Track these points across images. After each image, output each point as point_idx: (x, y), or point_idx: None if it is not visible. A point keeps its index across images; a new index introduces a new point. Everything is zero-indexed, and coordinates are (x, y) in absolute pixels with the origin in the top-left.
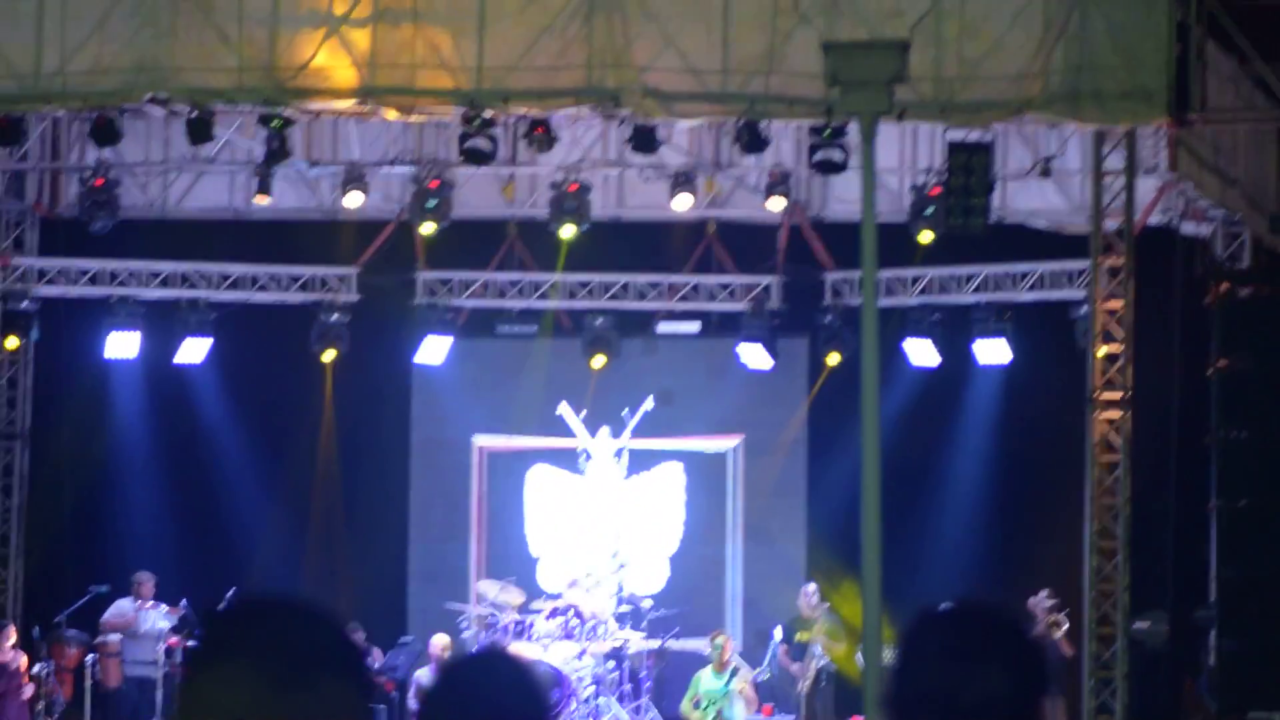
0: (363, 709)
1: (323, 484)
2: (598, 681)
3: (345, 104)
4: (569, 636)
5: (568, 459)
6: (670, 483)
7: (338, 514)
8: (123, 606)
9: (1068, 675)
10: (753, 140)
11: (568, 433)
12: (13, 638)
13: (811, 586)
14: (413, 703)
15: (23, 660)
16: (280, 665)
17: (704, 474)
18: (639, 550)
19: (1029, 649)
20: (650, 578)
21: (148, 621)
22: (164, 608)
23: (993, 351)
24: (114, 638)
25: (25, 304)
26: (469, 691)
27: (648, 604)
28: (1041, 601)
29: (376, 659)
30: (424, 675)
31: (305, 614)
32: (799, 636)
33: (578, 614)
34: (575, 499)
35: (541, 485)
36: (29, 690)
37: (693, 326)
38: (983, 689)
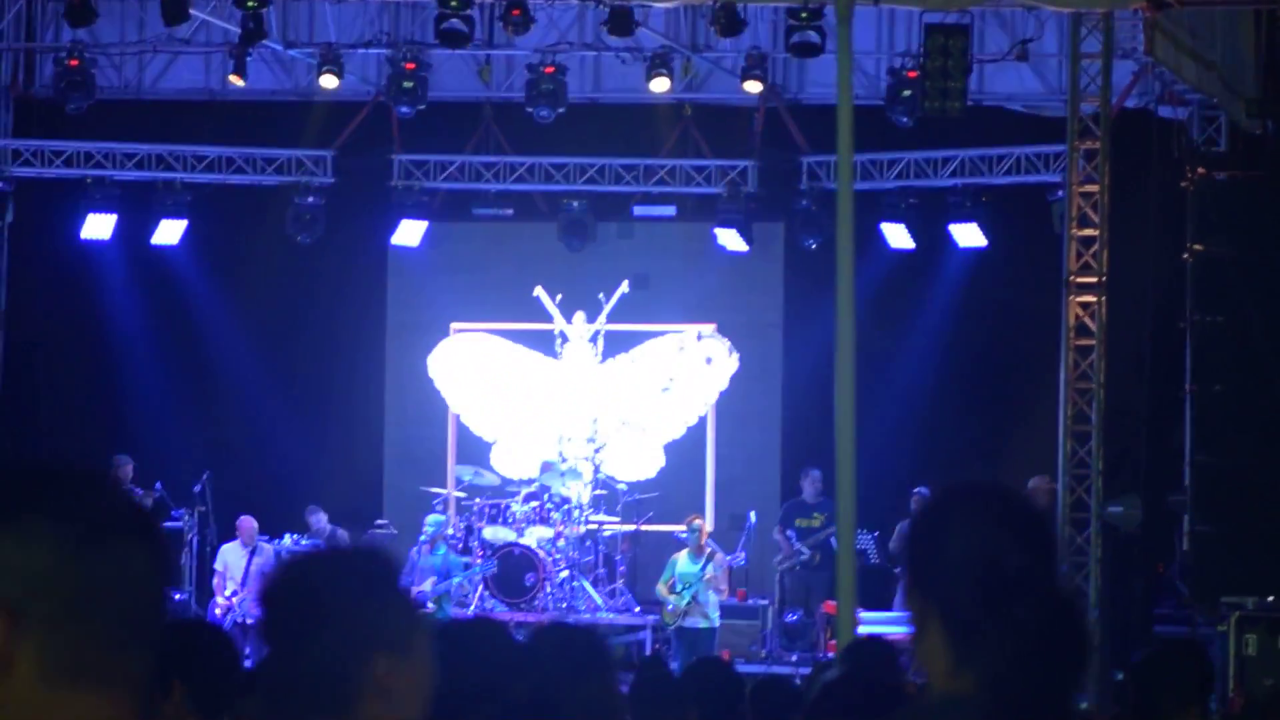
0: (160, 574)
1: (298, 366)
2: (572, 565)
3: None
4: (544, 520)
5: (544, 342)
6: (673, 360)
7: (314, 397)
8: None
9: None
10: (730, 22)
11: (543, 316)
12: None
13: (817, 473)
14: None
15: None
16: (77, 527)
17: None
18: (621, 435)
19: (1050, 525)
20: (639, 464)
21: None
22: (139, 491)
23: (968, 235)
24: None
25: (0, 185)
26: (311, 589)
27: (623, 488)
28: (1043, 484)
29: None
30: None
31: (93, 477)
32: (799, 521)
33: (551, 498)
34: (545, 380)
35: (467, 357)
36: None
37: (669, 210)
38: (1021, 557)
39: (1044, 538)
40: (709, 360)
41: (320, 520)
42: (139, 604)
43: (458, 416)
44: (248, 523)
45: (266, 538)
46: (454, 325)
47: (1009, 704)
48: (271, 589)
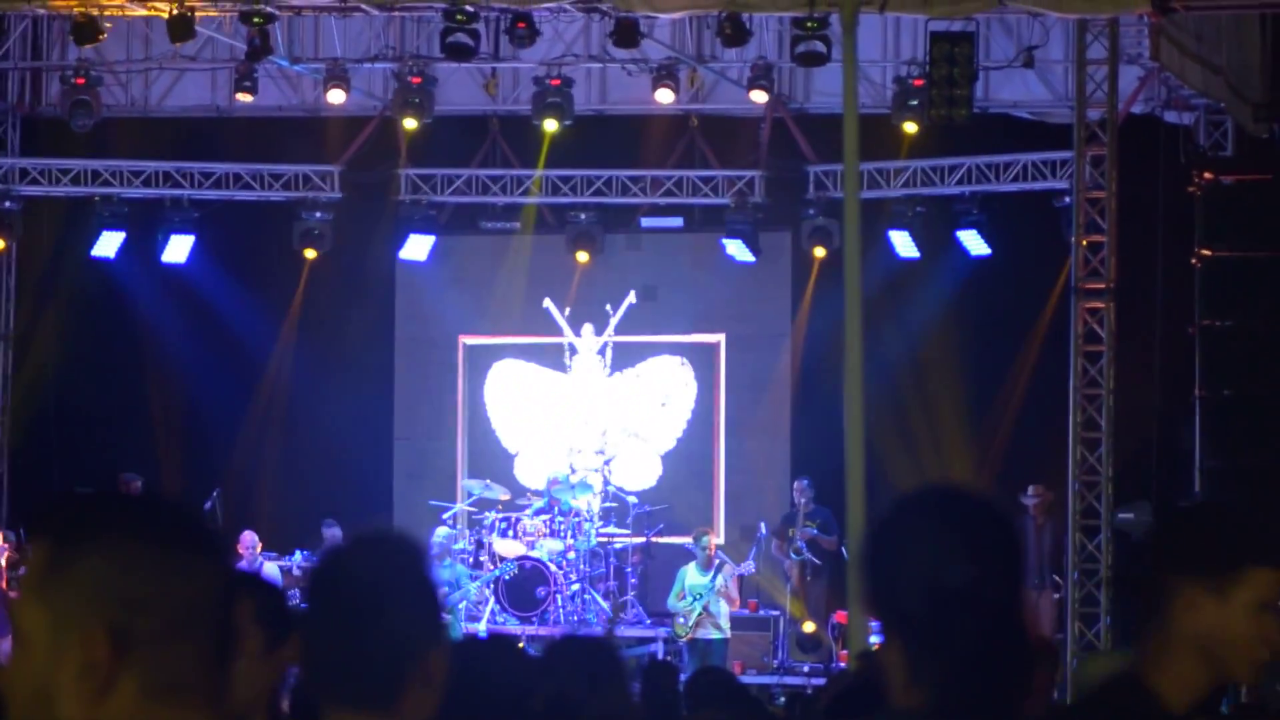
0: (231, 593)
1: (306, 382)
2: (583, 577)
3: None
4: (554, 533)
5: (552, 355)
6: (671, 378)
7: (322, 411)
8: None
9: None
10: (735, 33)
11: (551, 329)
12: None
13: (805, 482)
14: None
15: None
16: (173, 548)
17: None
18: (628, 446)
19: (1007, 531)
20: (641, 474)
21: None
22: None
23: (975, 243)
24: None
25: (8, 204)
26: (354, 576)
27: (633, 500)
28: (1030, 498)
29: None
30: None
31: (171, 501)
32: (791, 531)
33: (562, 510)
34: (554, 394)
35: (508, 379)
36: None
37: (676, 221)
38: (969, 570)
39: (996, 547)
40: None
41: (335, 534)
42: (225, 621)
43: (469, 430)
44: (248, 538)
45: (274, 555)
46: (462, 338)
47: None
48: (323, 579)
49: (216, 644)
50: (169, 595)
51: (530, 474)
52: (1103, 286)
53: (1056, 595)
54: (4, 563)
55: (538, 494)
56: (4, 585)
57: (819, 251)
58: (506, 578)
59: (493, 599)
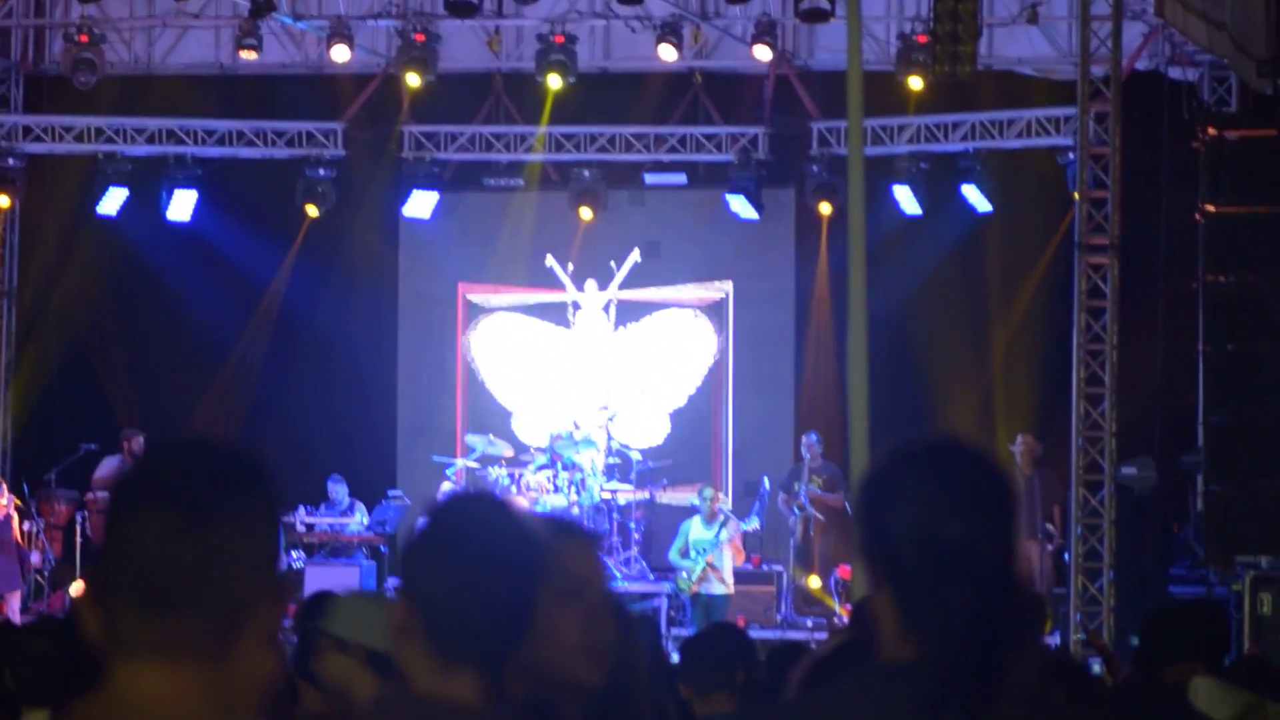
0: (271, 537)
1: (311, 339)
2: None
3: None
4: (558, 489)
5: (556, 312)
6: (683, 333)
7: (326, 369)
8: (113, 464)
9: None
10: None
11: (555, 285)
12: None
13: (814, 437)
14: None
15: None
16: (183, 503)
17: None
18: (633, 402)
19: (1001, 484)
20: (648, 431)
21: None
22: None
23: (978, 199)
24: (104, 495)
25: (11, 161)
26: (461, 530)
27: (637, 456)
28: (1016, 447)
29: (352, 509)
30: None
31: (212, 452)
32: (796, 486)
33: (565, 466)
34: (557, 350)
35: (499, 334)
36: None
37: (679, 178)
38: (961, 526)
39: (990, 501)
40: (702, 338)
41: (341, 491)
42: (174, 572)
43: (469, 386)
44: None
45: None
46: (465, 294)
47: (945, 674)
48: (434, 534)
49: (164, 595)
50: (106, 550)
51: (529, 431)
52: (1106, 242)
53: (1050, 546)
54: (16, 517)
55: (540, 450)
56: (16, 537)
57: (824, 208)
58: None
59: None
